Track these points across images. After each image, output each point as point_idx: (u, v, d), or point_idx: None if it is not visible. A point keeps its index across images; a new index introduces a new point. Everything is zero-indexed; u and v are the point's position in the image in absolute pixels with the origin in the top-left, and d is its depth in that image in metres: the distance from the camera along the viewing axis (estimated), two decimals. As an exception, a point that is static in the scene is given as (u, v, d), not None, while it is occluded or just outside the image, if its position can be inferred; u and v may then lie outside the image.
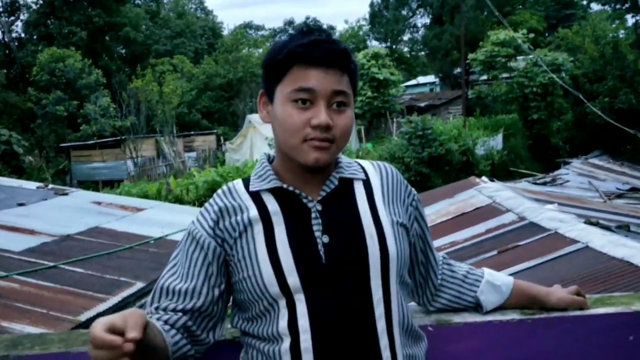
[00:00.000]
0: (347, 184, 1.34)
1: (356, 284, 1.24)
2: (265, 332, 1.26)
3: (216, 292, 1.29)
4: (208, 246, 1.28)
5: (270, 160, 1.39)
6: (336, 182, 1.32)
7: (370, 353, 1.23)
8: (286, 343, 1.22)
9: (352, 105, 1.30)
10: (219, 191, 1.36)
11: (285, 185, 1.30)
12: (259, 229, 1.27)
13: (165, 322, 1.25)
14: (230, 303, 1.38)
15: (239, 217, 1.29)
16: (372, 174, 1.39)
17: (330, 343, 1.21)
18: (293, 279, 1.22)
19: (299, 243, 1.25)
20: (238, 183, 1.36)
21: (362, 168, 1.40)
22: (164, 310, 1.27)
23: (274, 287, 1.22)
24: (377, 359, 1.24)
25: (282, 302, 1.23)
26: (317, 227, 1.26)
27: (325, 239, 1.25)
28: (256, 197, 1.31)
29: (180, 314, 1.27)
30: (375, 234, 1.27)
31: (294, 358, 1.22)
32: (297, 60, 1.24)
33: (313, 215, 1.27)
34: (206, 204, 1.34)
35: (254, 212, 1.28)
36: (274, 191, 1.31)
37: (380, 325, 1.24)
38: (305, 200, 1.29)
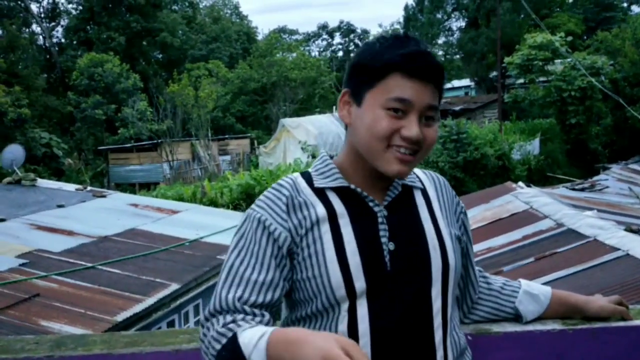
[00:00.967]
0: (408, 191, 1.34)
1: (417, 294, 1.23)
2: None
3: (287, 286, 1.24)
4: (284, 240, 1.23)
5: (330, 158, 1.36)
6: (399, 189, 1.32)
7: None
8: None
9: (438, 121, 1.29)
10: (282, 182, 1.31)
11: (352, 186, 1.28)
12: (326, 229, 1.24)
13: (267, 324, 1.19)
14: None
15: (305, 213, 1.25)
16: (427, 183, 1.39)
17: (389, 350, 1.20)
18: (360, 283, 1.20)
19: (366, 247, 1.23)
20: (298, 177, 1.33)
21: (417, 176, 1.39)
22: (252, 306, 1.19)
23: (340, 290, 1.20)
24: None
25: (345, 306, 1.21)
26: (383, 232, 1.25)
27: (391, 245, 1.24)
28: (321, 194, 1.28)
29: (267, 313, 1.21)
30: (438, 245, 1.27)
31: None
32: (396, 69, 1.21)
33: (379, 220, 1.26)
34: (269, 193, 1.30)
35: (321, 210, 1.25)
36: (338, 190, 1.29)
37: (438, 335, 1.23)
38: (371, 204, 1.27)
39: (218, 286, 1.23)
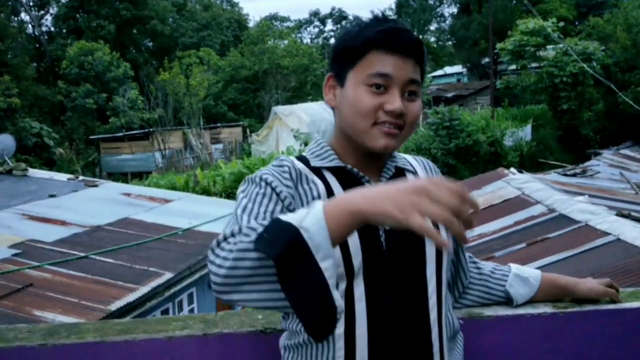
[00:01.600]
0: (400, 174, 1.35)
1: (412, 274, 1.24)
2: None
3: None
4: (289, 204, 1.21)
5: None
6: (393, 170, 1.34)
7: (422, 342, 1.23)
8: (340, 327, 1.18)
9: (421, 96, 1.30)
10: (281, 158, 1.31)
11: (349, 167, 1.29)
12: None
13: None
14: None
15: (306, 187, 1.26)
16: (418, 168, 1.40)
17: (385, 329, 1.20)
18: (357, 262, 1.19)
19: (364, 227, 1.18)
20: (294, 159, 1.32)
21: (408, 161, 1.41)
22: None
23: (339, 269, 1.17)
24: (428, 348, 1.23)
25: (342, 285, 1.18)
26: None
27: (387, 225, 1.22)
28: (318, 173, 1.29)
29: None
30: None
31: (347, 343, 1.18)
32: (375, 46, 1.23)
33: None
34: (271, 166, 1.28)
35: (322, 187, 1.26)
36: (334, 170, 1.29)
37: (433, 315, 1.24)
38: (367, 185, 1.28)
39: (233, 218, 1.17)
